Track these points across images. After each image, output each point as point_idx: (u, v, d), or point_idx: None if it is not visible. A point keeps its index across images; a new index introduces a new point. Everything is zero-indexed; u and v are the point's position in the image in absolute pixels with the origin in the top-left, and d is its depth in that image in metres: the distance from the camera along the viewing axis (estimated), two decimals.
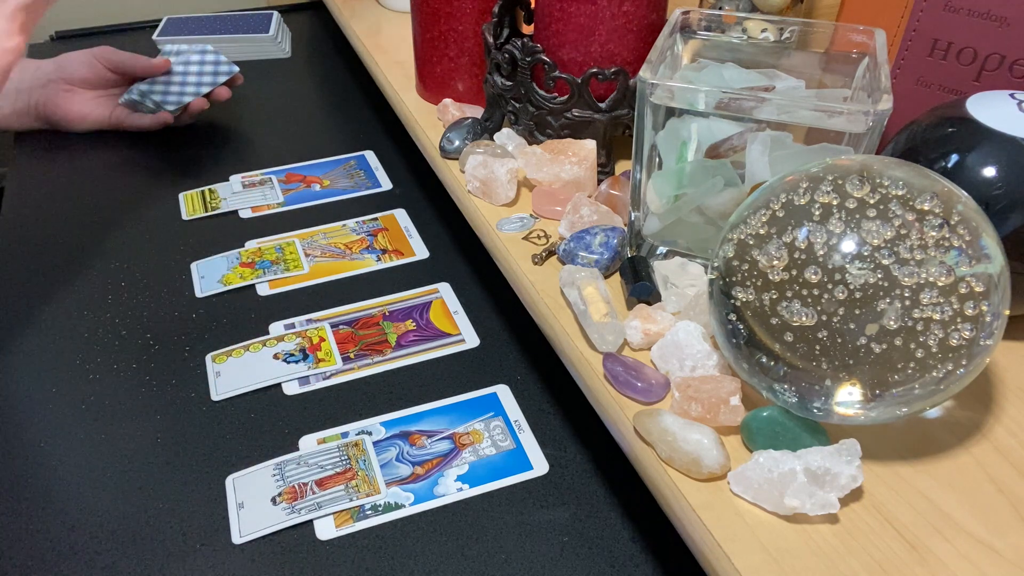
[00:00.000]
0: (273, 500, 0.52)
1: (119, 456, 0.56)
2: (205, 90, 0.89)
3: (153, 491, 0.54)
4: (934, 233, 0.36)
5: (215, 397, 0.60)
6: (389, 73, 0.83)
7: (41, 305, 0.69)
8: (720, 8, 0.71)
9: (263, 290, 0.70)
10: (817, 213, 0.38)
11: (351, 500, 0.52)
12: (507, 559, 0.49)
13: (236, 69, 0.90)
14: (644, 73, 0.47)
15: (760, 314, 0.39)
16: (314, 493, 0.53)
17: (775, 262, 0.38)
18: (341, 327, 0.66)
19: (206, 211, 0.81)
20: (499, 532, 0.51)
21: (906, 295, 0.36)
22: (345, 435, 0.57)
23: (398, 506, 0.52)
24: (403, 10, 0.96)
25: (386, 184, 0.85)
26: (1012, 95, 0.47)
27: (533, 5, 0.64)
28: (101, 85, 0.91)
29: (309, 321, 0.67)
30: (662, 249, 0.55)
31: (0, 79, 0.60)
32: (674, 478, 0.41)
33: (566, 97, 0.61)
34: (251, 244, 0.76)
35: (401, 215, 0.80)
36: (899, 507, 0.40)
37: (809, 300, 0.37)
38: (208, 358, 0.64)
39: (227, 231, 0.78)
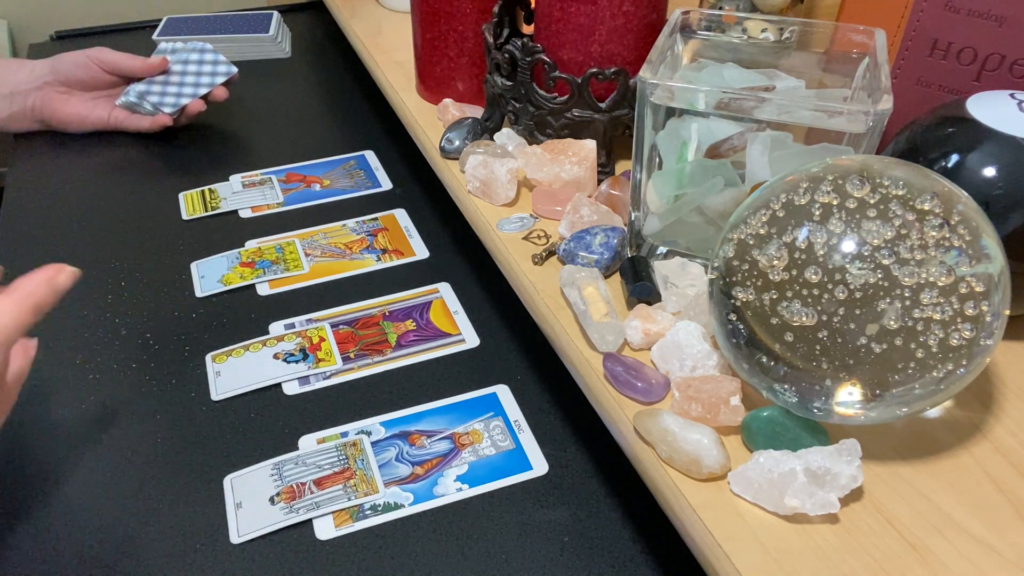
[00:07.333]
0: (271, 500, 0.52)
1: (118, 456, 0.56)
2: (203, 91, 0.89)
3: (152, 491, 0.53)
4: (934, 233, 0.36)
5: (215, 397, 0.60)
6: (389, 73, 0.82)
7: None
8: (720, 8, 0.71)
9: (263, 290, 0.70)
10: (817, 213, 0.38)
11: (349, 500, 0.52)
12: (507, 559, 0.49)
13: (235, 70, 0.90)
14: (644, 73, 0.47)
15: (760, 314, 0.39)
16: (312, 493, 0.53)
17: (775, 262, 0.38)
18: (341, 327, 0.66)
19: (206, 211, 0.81)
20: (499, 532, 0.51)
21: (906, 295, 0.36)
22: (345, 435, 0.57)
23: (397, 506, 0.52)
24: (403, 10, 0.96)
25: (386, 184, 0.85)
26: (1012, 95, 0.47)
27: (533, 5, 0.64)
28: (97, 86, 0.90)
29: (309, 321, 0.67)
30: (662, 249, 0.55)
31: None
32: (674, 478, 0.41)
33: (566, 97, 0.61)
34: (251, 244, 0.76)
35: (401, 215, 0.80)
36: (899, 507, 0.40)
37: (809, 300, 0.37)
38: (208, 358, 0.63)
39: (227, 231, 0.78)
